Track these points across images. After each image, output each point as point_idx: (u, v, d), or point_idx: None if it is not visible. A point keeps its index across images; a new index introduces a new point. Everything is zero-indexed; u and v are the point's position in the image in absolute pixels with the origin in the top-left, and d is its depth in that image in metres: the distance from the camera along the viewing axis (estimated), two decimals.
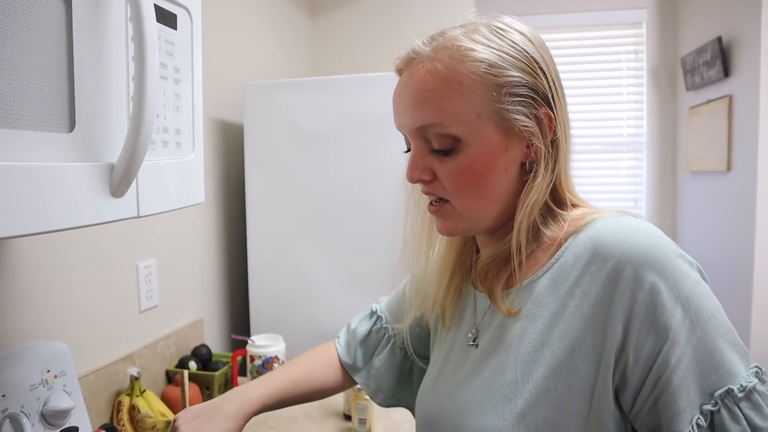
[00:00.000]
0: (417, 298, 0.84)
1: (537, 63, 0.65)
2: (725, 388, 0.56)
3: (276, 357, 1.47)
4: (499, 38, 0.65)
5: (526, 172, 0.67)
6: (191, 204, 0.81)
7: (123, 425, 1.21)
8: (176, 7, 0.75)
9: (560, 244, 0.66)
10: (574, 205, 0.70)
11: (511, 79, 0.63)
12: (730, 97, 2.33)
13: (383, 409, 1.38)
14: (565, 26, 2.97)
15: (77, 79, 0.57)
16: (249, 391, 0.84)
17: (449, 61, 0.64)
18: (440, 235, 0.78)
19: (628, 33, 3.00)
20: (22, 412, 0.85)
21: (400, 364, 0.92)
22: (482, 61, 0.63)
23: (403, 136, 0.73)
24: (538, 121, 0.65)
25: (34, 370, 0.91)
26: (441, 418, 0.72)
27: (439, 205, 0.69)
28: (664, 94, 2.97)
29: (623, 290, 0.59)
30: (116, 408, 1.24)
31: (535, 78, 0.65)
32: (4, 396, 0.83)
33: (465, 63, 0.63)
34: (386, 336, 0.93)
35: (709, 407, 0.56)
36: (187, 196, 0.80)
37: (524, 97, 0.64)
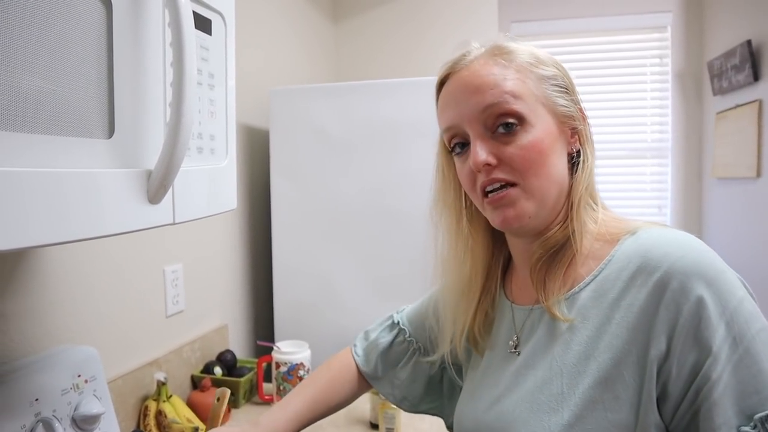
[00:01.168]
0: (448, 327, 0.83)
1: (564, 68, 0.72)
2: (766, 412, 0.54)
3: (302, 364, 1.46)
4: (532, 46, 0.72)
5: (570, 163, 0.71)
6: (224, 211, 0.81)
7: (150, 430, 1.21)
8: (211, 13, 0.75)
9: (604, 252, 0.67)
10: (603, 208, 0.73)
11: (553, 72, 0.70)
12: (760, 102, 2.29)
13: (411, 417, 1.37)
14: (588, 30, 2.94)
15: (116, 85, 0.57)
16: (269, 420, 0.85)
17: (505, 55, 0.70)
18: (467, 261, 0.78)
19: (652, 37, 2.96)
20: (54, 416, 0.86)
21: (427, 374, 0.92)
22: (530, 55, 0.70)
23: (447, 144, 0.73)
24: (576, 110, 0.71)
25: (66, 374, 0.91)
26: (483, 430, 0.72)
27: (502, 191, 0.67)
28: (689, 98, 2.93)
29: (669, 302, 0.59)
30: (143, 413, 1.24)
31: (566, 78, 0.71)
32: (37, 400, 0.84)
33: (518, 55, 0.69)
34: (411, 349, 0.93)
35: (747, 429, 0.55)
36: (220, 203, 0.80)
37: (564, 89, 0.70)
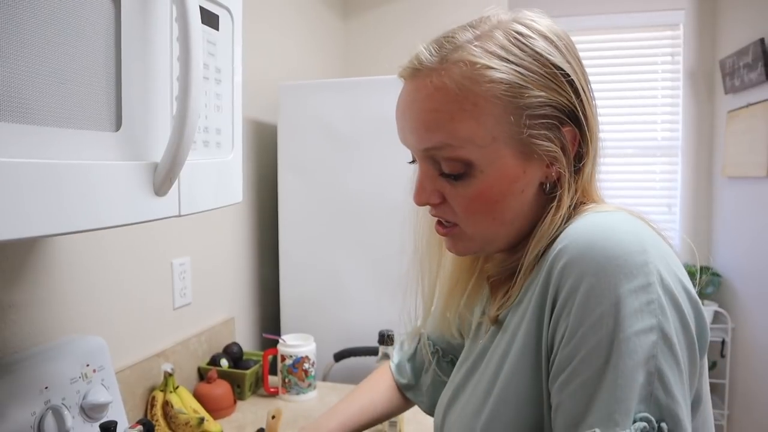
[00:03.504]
0: (437, 302, 0.81)
1: (564, 75, 0.58)
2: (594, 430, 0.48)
3: (307, 357, 1.47)
4: (519, 48, 0.57)
5: (543, 191, 0.61)
6: (229, 203, 0.82)
7: (156, 420, 1.23)
8: (218, 8, 0.76)
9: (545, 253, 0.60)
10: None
11: (533, 100, 0.57)
12: None
13: (414, 412, 1.38)
14: (600, 28, 2.93)
15: (124, 79, 0.58)
16: (323, 425, 0.87)
17: (461, 80, 0.57)
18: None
19: (664, 35, 2.95)
20: (63, 404, 0.87)
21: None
22: (500, 82, 0.56)
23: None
24: (561, 142, 0.59)
25: (75, 364, 0.93)
26: (440, 427, 0.74)
27: (448, 227, 0.65)
28: (700, 97, 2.91)
29: (554, 283, 0.53)
30: (150, 403, 1.25)
31: (560, 94, 0.58)
32: (47, 388, 0.85)
33: (481, 84, 0.56)
34: (431, 352, 0.90)
35: None
36: (226, 196, 0.81)
37: (547, 118, 0.58)
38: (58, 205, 0.50)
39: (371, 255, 1.74)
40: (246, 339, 1.80)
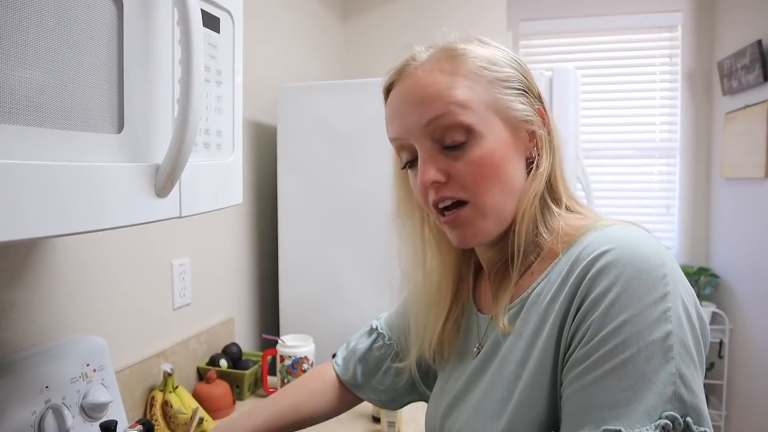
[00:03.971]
0: (418, 336, 0.81)
1: (523, 66, 0.69)
2: (617, 427, 0.51)
3: (306, 357, 1.48)
4: (487, 45, 0.69)
5: (528, 168, 0.68)
6: (230, 205, 0.83)
7: (156, 420, 1.24)
8: (219, 11, 0.76)
9: (554, 257, 0.64)
10: (569, 209, 0.68)
11: (507, 74, 0.66)
12: None
13: (413, 412, 1.38)
14: (598, 29, 2.93)
15: (126, 82, 0.58)
16: (238, 425, 0.85)
17: (452, 59, 0.66)
18: (436, 270, 0.77)
19: (662, 36, 2.96)
20: (63, 403, 0.88)
21: (410, 375, 0.89)
22: (478, 57, 0.66)
23: (397, 154, 0.72)
24: (534, 110, 0.68)
25: (75, 363, 0.93)
26: None
27: (455, 211, 0.66)
28: (699, 98, 2.92)
29: (583, 287, 0.57)
30: (149, 403, 1.26)
31: (525, 77, 0.68)
32: (47, 388, 0.86)
33: (466, 59, 0.66)
34: (393, 352, 0.91)
35: None
36: (226, 197, 0.81)
37: (519, 90, 0.67)
38: (61, 207, 0.50)
39: (370, 256, 1.75)
40: (245, 339, 1.81)
